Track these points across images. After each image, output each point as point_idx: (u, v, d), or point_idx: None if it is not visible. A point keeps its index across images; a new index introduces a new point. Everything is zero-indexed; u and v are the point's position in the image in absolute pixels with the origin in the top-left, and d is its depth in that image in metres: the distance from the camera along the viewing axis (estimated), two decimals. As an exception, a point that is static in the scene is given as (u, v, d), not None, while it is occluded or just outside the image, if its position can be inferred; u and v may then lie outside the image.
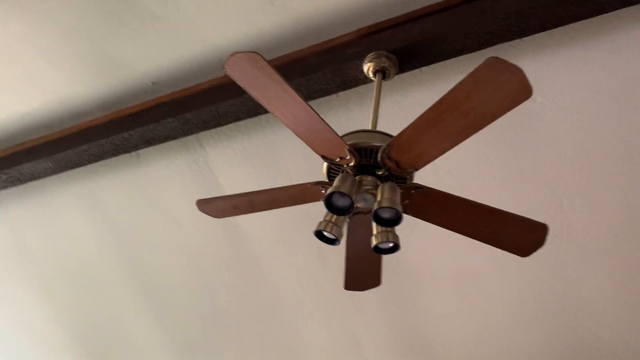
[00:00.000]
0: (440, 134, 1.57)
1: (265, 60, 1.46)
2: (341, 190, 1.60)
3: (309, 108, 1.58)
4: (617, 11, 1.96)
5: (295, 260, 3.22)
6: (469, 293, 2.98)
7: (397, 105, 2.35)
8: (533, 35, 2.06)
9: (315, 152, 1.75)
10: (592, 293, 2.75)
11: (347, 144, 1.69)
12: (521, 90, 1.40)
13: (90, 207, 3.27)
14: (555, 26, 2.02)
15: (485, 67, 1.39)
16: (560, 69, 2.21)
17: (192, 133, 2.73)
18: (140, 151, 2.93)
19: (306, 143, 1.72)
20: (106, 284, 3.56)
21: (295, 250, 3.18)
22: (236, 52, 1.46)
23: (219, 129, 2.75)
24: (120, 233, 3.34)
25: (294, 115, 1.62)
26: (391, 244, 1.74)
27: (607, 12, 1.97)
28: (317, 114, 1.59)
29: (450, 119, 1.52)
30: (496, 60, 1.36)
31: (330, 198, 1.62)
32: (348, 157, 1.71)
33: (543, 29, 2.03)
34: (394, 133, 1.76)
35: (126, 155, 2.94)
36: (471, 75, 1.41)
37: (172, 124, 2.67)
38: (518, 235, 1.87)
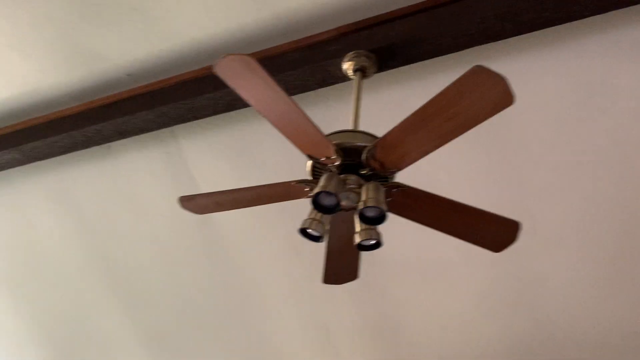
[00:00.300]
0: (424, 137, 1.63)
1: (257, 62, 1.48)
2: (328, 189, 1.65)
3: (299, 110, 1.60)
4: (586, 19, 2.06)
5: (267, 250, 3.24)
6: (437, 283, 3.07)
7: (376, 104, 2.39)
8: (508, 39, 2.14)
9: (302, 151, 1.78)
10: (559, 286, 2.88)
11: (333, 144, 1.73)
12: (504, 98, 1.47)
13: (59, 199, 3.20)
14: (529, 31, 2.10)
15: (471, 75, 1.44)
16: (532, 71, 2.30)
17: (167, 126, 2.70)
18: (112, 143, 2.87)
19: (293, 143, 1.75)
20: (75, 276, 3.50)
21: (267, 240, 3.20)
22: (228, 54, 1.47)
23: (194, 122, 2.73)
24: (90, 226, 3.28)
25: (284, 116, 1.64)
26: (374, 241, 1.80)
27: (577, 19, 2.06)
28: (307, 116, 1.62)
29: (435, 123, 1.58)
30: (481, 69, 1.42)
31: (317, 197, 1.66)
32: (333, 157, 1.75)
33: (518, 33, 2.11)
34: (374, 131, 1.81)
35: (98, 147, 2.88)
36: (457, 82, 1.47)
37: (147, 117, 2.64)
38: (492, 232, 1.95)
